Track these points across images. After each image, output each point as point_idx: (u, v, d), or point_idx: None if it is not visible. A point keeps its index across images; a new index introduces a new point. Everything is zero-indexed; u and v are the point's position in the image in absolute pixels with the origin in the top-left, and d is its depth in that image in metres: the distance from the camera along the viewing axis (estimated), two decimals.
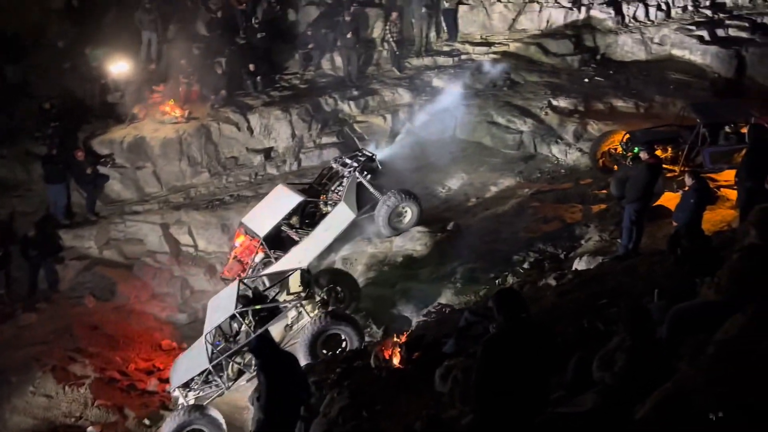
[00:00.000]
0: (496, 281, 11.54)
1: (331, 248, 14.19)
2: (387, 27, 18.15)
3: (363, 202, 14.09)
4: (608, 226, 12.09)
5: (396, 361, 7.95)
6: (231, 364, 11.42)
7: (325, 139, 17.35)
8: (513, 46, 18.57)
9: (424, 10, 18.16)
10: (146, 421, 12.13)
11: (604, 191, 13.28)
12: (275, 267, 13.39)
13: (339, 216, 13.72)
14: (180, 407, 11.20)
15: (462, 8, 18.98)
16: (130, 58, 17.09)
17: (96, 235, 15.89)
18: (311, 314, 11.34)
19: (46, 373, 12.72)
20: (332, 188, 14.34)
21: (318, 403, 7.74)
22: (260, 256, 13.54)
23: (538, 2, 18.89)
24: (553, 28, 18.90)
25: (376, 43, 18.97)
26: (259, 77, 17.54)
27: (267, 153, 17.17)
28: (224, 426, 10.73)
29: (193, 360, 11.79)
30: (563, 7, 18.77)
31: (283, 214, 13.55)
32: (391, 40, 18.09)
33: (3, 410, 12.14)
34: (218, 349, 11.46)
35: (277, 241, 13.75)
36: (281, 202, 13.85)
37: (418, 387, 7.18)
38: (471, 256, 12.62)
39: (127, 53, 17.13)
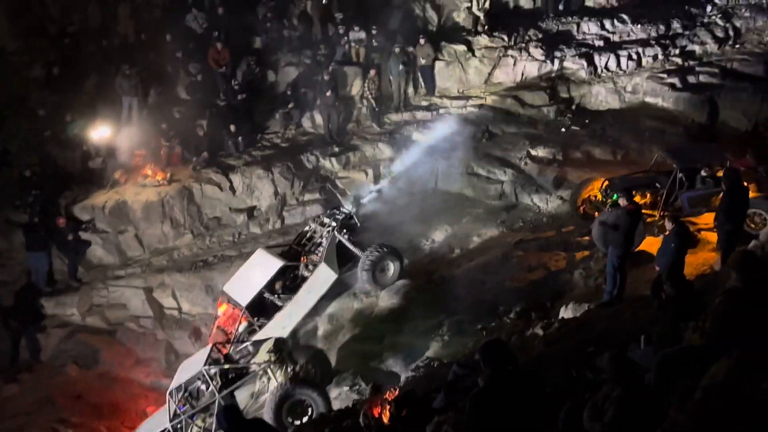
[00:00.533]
0: (483, 332, 11.48)
1: (316, 307, 14.08)
2: (366, 84, 18.44)
3: (344, 260, 14.06)
4: (592, 272, 12.15)
5: (385, 419, 7.82)
6: (192, 426, 11.18)
7: (307, 196, 17.43)
8: (490, 99, 18.90)
9: (401, 67, 18.50)
10: None
11: (587, 238, 13.37)
12: (260, 335, 13.14)
13: (321, 277, 13.62)
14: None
15: (438, 64, 19.34)
16: (111, 123, 17.17)
17: (78, 301, 15.69)
18: (278, 380, 11.19)
19: None
20: (312, 249, 14.30)
21: None
22: (244, 324, 13.32)
23: (512, 56, 19.32)
24: (528, 80, 19.31)
25: (356, 100, 19.24)
26: (240, 137, 17.67)
27: (250, 212, 17.18)
28: None
29: (156, 420, 11.62)
30: (537, 60, 19.21)
31: (264, 281, 13.32)
32: (370, 96, 18.36)
33: None
34: (182, 411, 11.22)
35: (261, 308, 13.55)
36: (262, 268, 13.64)
37: None
38: (457, 307, 12.57)
39: (107, 119, 17.22)
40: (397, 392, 8.37)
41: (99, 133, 16.78)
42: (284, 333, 13.40)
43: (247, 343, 13.13)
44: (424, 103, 19.27)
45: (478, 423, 4.77)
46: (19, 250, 16.08)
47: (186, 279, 15.79)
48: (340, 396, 11.29)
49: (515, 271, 13.35)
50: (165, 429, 10.99)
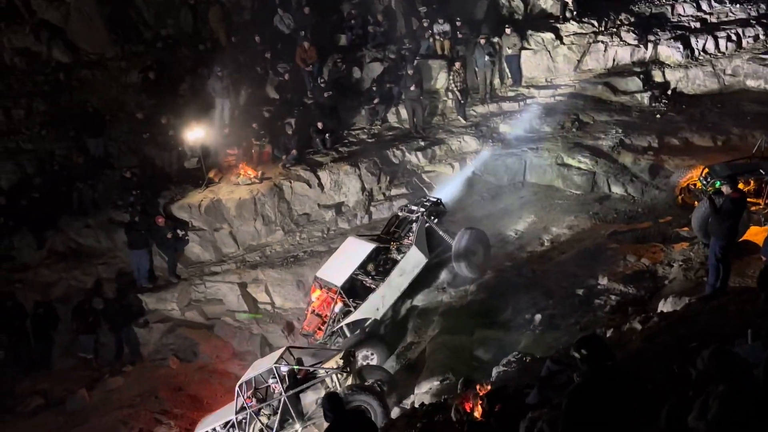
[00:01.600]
0: (577, 327, 11.17)
1: (405, 296, 14.19)
2: (451, 77, 18.33)
3: (433, 246, 14.11)
4: (693, 264, 11.60)
5: (478, 414, 7.73)
6: (256, 421, 11.39)
7: (394, 191, 17.50)
8: (579, 87, 18.43)
9: (487, 58, 18.26)
10: None
11: (686, 228, 12.81)
12: (354, 315, 13.51)
13: (412, 260, 13.81)
14: None
15: (525, 53, 18.98)
16: (205, 124, 17.76)
17: (178, 297, 16.33)
18: (340, 387, 11.23)
19: None
20: (402, 234, 14.44)
21: None
22: (339, 306, 13.63)
23: (602, 42, 18.75)
24: (620, 66, 18.73)
25: (441, 94, 19.16)
26: (327, 134, 17.90)
27: (338, 208, 17.40)
28: None
29: (223, 412, 11.91)
30: (629, 44, 18.58)
31: (357, 262, 13.71)
32: (455, 89, 18.22)
33: None
34: (249, 405, 11.42)
35: (354, 291, 13.87)
36: (354, 252, 14.03)
37: None
38: (549, 301, 12.29)
39: (201, 120, 17.83)
40: (489, 387, 8.24)
41: (194, 134, 17.33)
42: (377, 315, 13.67)
43: (342, 323, 13.50)
44: (511, 94, 18.98)
45: (575, 420, 4.63)
46: (122, 248, 16.88)
47: (278, 274, 16.15)
48: (431, 390, 11.23)
49: (610, 263, 12.88)
50: (230, 421, 11.29)
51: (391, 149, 18.01)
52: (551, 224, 15.27)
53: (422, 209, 14.37)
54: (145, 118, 18.75)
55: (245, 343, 15.74)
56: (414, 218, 14.31)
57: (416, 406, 10.26)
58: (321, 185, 17.37)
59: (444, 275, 14.48)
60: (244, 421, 11.30)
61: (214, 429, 11.49)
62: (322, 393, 11.44)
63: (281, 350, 11.90)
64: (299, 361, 11.92)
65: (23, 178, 18.19)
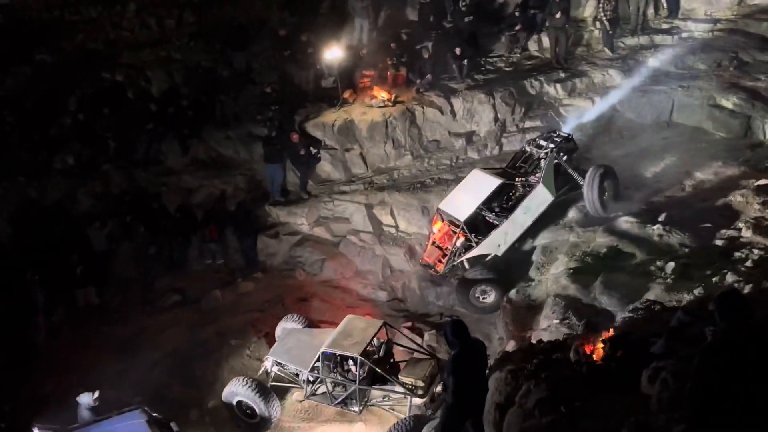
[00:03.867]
0: (713, 280, 10.58)
1: (528, 234, 13.98)
2: (600, 5, 17.26)
3: (561, 184, 13.75)
4: None
5: (597, 357, 7.59)
6: (321, 385, 11.70)
7: (528, 123, 17.01)
8: (742, 23, 16.86)
9: None
10: None
11: None
12: (476, 251, 13.51)
13: (537, 198, 13.52)
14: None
15: None
16: (343, 44, 17.82)
17: (307, 212, 16.90)
18: (410, 409, 11.07)
19: (260, 339, 13.80)
20: (528, 171, 14.09)
21: (513, 392, 7.63)
22: (461, 240, 13.65)
23: None
24: None
25: (588, 23, 18.17)
26: (465, 61, 17.48)
27: (469, 137, 17.16)
28: None
29: (299, 352, 12.03)
30: None
31: (482, 198, 13.58)
32: (604, 18, 17.19)
33: (222, 369, 13.30)
34: (323, 368, 11.61)
35: (476, 226, 13.80)
36: (479, 186, 13.85)
37: (621, 387, 6.78)
38: (683, 249, 11.69)
39: (340, 40, 17.88)
40: (612, 332, 8.05)
41: (332, 53, 17.46)
42: (499, 252, 13.62)
43: (462, 258, 13.55)
44: (665, 26, 17.73)
45: (706, 377, 4.43)
46: (258, 161, 17.59)
47: (404, 199, 16.30)
48: (549, 328, 11.12)
49: (755, 215, 12.01)
50: (302, 370, 11.67)
51: (529, 79, 17.40)
52: (695, 169, 14.34)
53: (551, 145, 13.90)
54: (287, 35, 19.03)
55: (368, 263, 16.14)
56: (542, 154, 13.88)
57: (533, 341, 10.22)
58: (453, 112, 17.14)
59: (572, 213, 14.07)
60: (312, 379, 11.70)
61: (286, 366, 11.97)
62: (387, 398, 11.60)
63: (378, 324, 11.89)
64: (387, 349, 11.85)
65: (172, 86, 19.17)
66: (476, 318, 13.77)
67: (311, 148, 16.83)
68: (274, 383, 12.15)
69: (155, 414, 10.69)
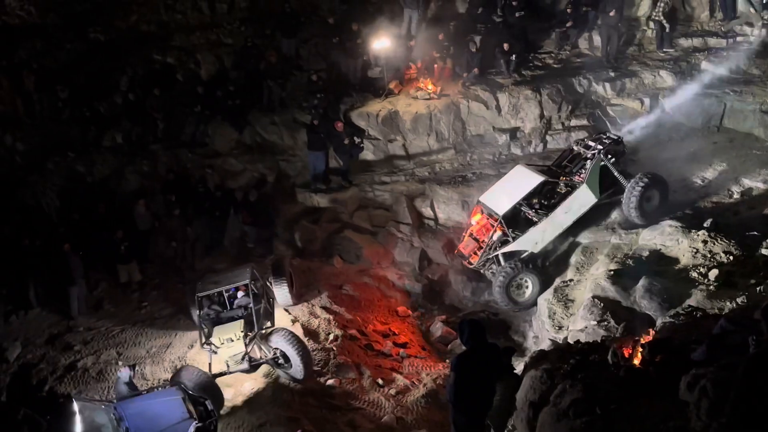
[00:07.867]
0: (757, 289, 10.36)
1: (569, 233, 13.88)
2: (657, 5, 16.93)
3: (605, 186, 13.58)
4: None
5: (636, 361, 7.50)
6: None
7: (574, 122, 16.84)
8: None
9: None
10: (380, 381, 12.62)
11: None
12: (512, 246, 13.49)
13: (580, 199, 13.41)
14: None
15: None
16: (391, 35, 17.81)
17: (348, 200, 16.99)
18: None
19: (296, 324, 13.93)
20: (573, 170, 13.96)
21: (548, 391, 7.59)
22: (498, 234, 13.61)
23: None
24: None
25: (641, 22, 17.84)
26: (513, 56, 17.32)
27: (513, 133, 17.05)
28: None
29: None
30: None
31: (523, 193, 13.53)
32: (659, 18, 16.86)
33: None
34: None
35: (515, 221, 13.75)
36: (521, 181, 13.79)
37: (658, 392, 6.71)
38: (728, 257, 11.46)
39: (388, 30, 17.87)
40: (651, 336, 7.95)
41: (380, 43, 17.46)
42: (536, 249, 13.58)
43: (498, 252, 13.58)
44: (720, 29, 17.24)
45: (751, 388, 4.36)
46: (302, 147, 17.69)
47: (445, 192, 16.29)
48: (586, 329, 11.03)
49: None
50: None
51: (577, 77, 17.20)
52: (744, 175, 14.03)
53: (600, 146, 13.72)
54: (336, 23, 19.09)
55: (405, 254, 16.18)
56: (590, 155, 13.72)
57: (570, 342, 10.14)
58: (498, 108, 17.04)
59: (615, 214, 13.91)
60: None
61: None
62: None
63: None
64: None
65: (221, 70, 19.39)
66: (512, 314, 13.78)
67: (355, 138, 16.88)
68: None
69: (191, 392, 10.91)
